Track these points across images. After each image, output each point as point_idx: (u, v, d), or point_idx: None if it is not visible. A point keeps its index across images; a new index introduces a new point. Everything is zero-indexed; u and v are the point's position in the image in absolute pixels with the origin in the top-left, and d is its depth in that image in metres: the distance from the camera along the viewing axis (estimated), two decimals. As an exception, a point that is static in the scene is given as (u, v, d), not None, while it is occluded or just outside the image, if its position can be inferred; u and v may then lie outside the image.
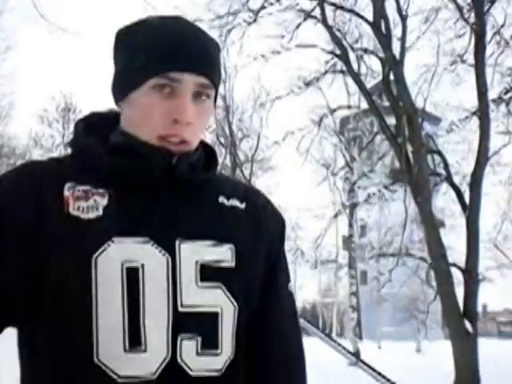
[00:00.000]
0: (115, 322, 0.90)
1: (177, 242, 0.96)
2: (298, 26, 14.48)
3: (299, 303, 46.25)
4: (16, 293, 0.92)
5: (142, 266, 0.92)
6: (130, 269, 0.91)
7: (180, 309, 0.94)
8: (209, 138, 28.59)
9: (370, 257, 22.40)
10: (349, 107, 23.32)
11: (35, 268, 0.91)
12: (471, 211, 12.67)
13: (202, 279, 0.96)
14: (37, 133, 34.31)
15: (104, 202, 0.94)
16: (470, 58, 13.45)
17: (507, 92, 14.24)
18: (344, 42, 14.05)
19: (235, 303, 1.00)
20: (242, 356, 1.02)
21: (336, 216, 24.83)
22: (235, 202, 1.07)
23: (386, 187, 20.65)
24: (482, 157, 12.80)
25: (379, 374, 2.68)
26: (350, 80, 17.60)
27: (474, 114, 14.80)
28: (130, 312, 0.90)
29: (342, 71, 16.16)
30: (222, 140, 27.41)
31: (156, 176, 0.98)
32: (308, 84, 17.30)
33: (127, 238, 0.93)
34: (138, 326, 0.91)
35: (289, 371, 1.09)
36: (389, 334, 39.61)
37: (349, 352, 2.86)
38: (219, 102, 27.49)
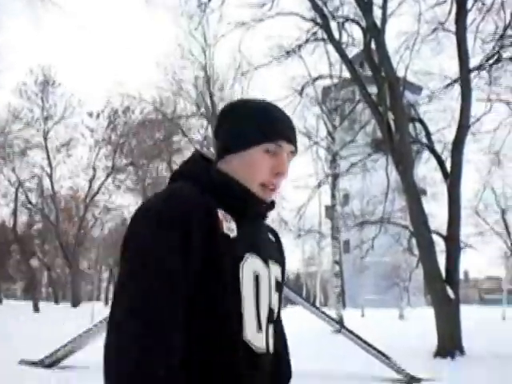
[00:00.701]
0: (251, 311, 1.35)
1: (269, 261, 1.44)
2: (278, -6, 14.34)
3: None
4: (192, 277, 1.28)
5: (260, 275, 1.39)
6: (256, 276, 1.37)
7: (271, 306, 1.43)
8: (189, 110, 28.40)
9: (353, 225, 22.50)
10: (330, 76, 23.26)
11: (206, 257, 1.29)
12: (452, 179, 12.76)
13: (275, 288, 1.47)
14: (15, 107, 33.98)
15: (235, 226, 1.36)
16: (452, 25, 13.43)
17: (488, 59, 14.22)
18: (325, 10, 13.95)
19: (280, 306, 1.53)
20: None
21: (319, 186, 24.94)
22: (271, 237, 1.58)
23: (369, 154, 20.73)
24: (463, 124, 12.86)
25: (363, 340, 2.70)
26: (331, 49, 17.53)
27: (455, 81, 14.82)
28: (256, 305, 1.36)
29: (323, 39, 16.04)
30: (203, 110, 27.22)
31: (257, 214, 1.47)
32: (289, 53, 17.19)
33: (253, 255, 1.38)
34: (259, 315, 1.37)
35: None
36: (372, 301, 40.14)
37: (333, 320, 2.88)
38: (199, 72, 27.23)
